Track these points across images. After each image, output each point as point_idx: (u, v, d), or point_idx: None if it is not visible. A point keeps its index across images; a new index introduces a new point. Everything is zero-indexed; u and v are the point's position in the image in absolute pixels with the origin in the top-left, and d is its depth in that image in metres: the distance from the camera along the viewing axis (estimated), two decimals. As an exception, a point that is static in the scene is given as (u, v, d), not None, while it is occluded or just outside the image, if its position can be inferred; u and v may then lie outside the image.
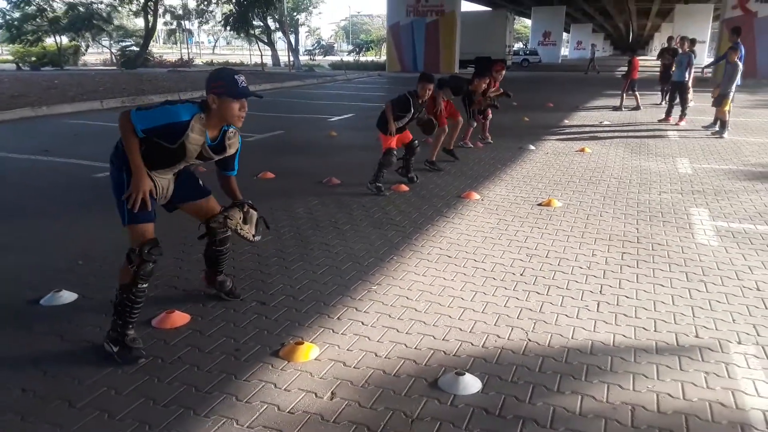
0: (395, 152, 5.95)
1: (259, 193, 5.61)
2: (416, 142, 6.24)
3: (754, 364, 2.80)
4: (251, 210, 3.15)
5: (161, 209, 3.10)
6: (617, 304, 3.46)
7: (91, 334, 3.00)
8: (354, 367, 2.75)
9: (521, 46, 57.95)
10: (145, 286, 2.80)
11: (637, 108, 13.30)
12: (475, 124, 8.58)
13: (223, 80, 2.79)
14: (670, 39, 14.17)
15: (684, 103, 11.38)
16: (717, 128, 9.90)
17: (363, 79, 26.54)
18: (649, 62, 46.76)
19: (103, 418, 2.35)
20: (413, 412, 2.42)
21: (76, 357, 2.81)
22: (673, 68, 11.94)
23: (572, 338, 3.05)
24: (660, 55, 14.00)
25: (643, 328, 3.17)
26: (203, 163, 3.06)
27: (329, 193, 5.98)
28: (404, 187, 6.09)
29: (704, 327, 3.18)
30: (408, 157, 6.24)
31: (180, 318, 3.15)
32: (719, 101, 9.72)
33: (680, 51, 12.00)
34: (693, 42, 12.38)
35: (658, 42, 74.70)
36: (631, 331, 3.14)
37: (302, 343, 2.88)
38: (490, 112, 8.81)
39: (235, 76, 2.79)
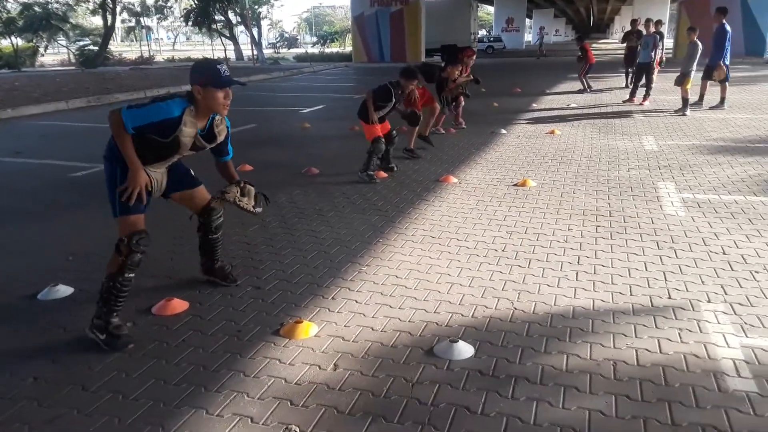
0: (382, 139, 6.07)
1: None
2: (395, 132, 6.37)
3: (723, 320, 3.03)
4: (248, 185, 3.25)
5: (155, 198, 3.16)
6: (594, 273, 3.67)
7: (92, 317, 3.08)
8: (353, 341, 2.89)
9: (485, 33, 58.37)
10: (131, 276, 2.88)
11: (583, 91, 13.64)
12: (448, 112, 8.75)
13: (206, 71, 2.88)
14: (634, 21, 14.52)
15: (649, 83, 11.68)
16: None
17: (330, 71, 26.51)
18: (610, 45, 47.69)
19: (117, 399, 2.45)
20: (413, 377, 2.57)
21: (81, 345, 2.88)
22: (639, 50, 12.21)
23: (555, 305, 3.25)
24: (625, 38, 14.31)
25: (620, 293, 3.38)
26: (195, 154, 3.14)
27: (310, 183, 6.08)
28: (383, 174, 6.23)
29: (676, 289, 3.41)
30: (387, 148, 6.36)
31: (179, 305, 3.25)
32: (680, 80, 10.09)
33: (644, 33, 12.33)
34: (658, 23, 12.64)
35: (619, 25, 75.89)
36: (608, 296, 3.34)
37: (301, 322, 3.01)
38: (462, 99, 8.99)
39: (218, 66, 2.88)
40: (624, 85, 14.31)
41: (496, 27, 56.51)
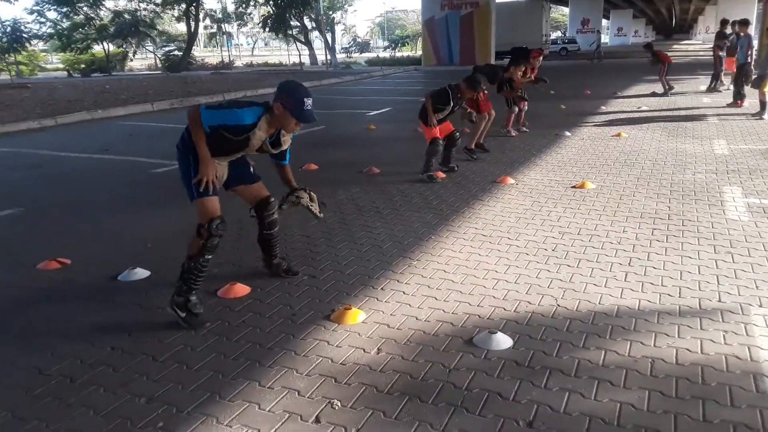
0: (441, 141, 6.22)
1: (305, 182, 5.95)
2: (457, 134, 6.48)
3: (773, 325, 2.99)
4: (312, 193, 3.54)
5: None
6: (644, 274, 3.67)
7: (165, 303, 3.40)
8: (397, 329, 3.06)
9: (560, 34, 57.05)
10: (209, 257, 3.16)
11: (663, 94, 13.25)
12: (517, 109, 8.74)
13: (293, 99, 3.05)
14: (723, 22, 14.01)
15: (743, 84, 11.13)
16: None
17: (399, 75, 26.82)
18: (692, 47, 45.51)
19: (182, 369, 2.73)
20: (450, 363, 2.71)
21: (154, 322, 3.21)
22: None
23: (599, 303, 3.29)
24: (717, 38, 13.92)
25: (668, 294, 3.38)
26: (258, 155, 3.38)
27: (370, 182, 6.30)
28: (441, 174, 6.36)
29: (727, 293, 3.37)
30: (449, 148, 6.48)
31: (242, 289, 3.53)
32: (757, 83, 9.63)
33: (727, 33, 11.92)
34: (743, 23, 12.03)
35: (703, 25, 72.35)
36: (656, 297, 3.35)
37: (350, 309, 3.21)
38: (524, 103, 8.97)
39: (305, 99, 3.06)
40: (706, 88, 13.85)
41: (570, 28, 55.14)
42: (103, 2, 35.47)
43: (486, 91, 7.57)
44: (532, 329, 3.02)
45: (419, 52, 39.91)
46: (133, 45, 38.28)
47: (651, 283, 3.53)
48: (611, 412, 2.34)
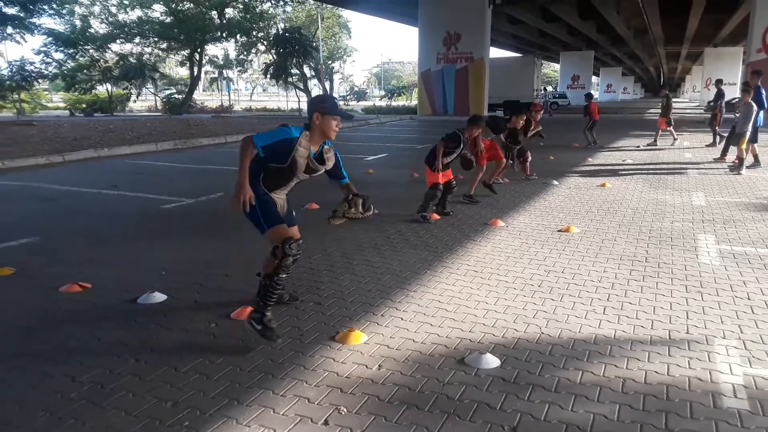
0: (440, 187, 6.62)
1: (308, 220, 6.33)
2: (454, 182, 6.88)
3: (733, 353, 3.33)
4: (355, 198, 3.79)
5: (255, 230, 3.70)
6: (621, 309, 4.02)
7: (183, 323, 3.72)
8: (396, 349, 3.38)
9: (551, 89, 58.87)
10: (284, 276, 3.41)
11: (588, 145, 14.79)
12: (512, 163, 9.21)
13: (326, 101, 3.52)
14: (719, 82, 15.40)
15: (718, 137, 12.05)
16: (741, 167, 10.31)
17: (395, 123, 27.62)
18: (680, 104, 47.03)
19: (203, 379, 3.03)
20: (444, 379, 3.03)
21: (174, 339, 3.52)
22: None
23: (579, 332, 3.63)
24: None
25: (641, 326, 3.73)
26: (310, 178, 3.69)
27: (369, 221, 6.65)
28: (435, 216, 6.75)
29: (695, 326, 3.72)
30: (446, 195, 6.88)
31: (252, 312, 3.85)
32: (736, 140, 10.22)
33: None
34: (717, 82, 13.50)
35: (690, 84, 74.93)
36: (630, 328, 3.70)
37: (354, 331, 3.53)
38: (529, 154, 9.45)
39: (336, 100, 3.59)
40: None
41: (561, 84, 57.02)
42: (110, 45, 36.54)
43: (491, 139, 8.02)
44: (518, 352, 3.35)
45: (414, 102, 41.07)
46: (136, 87, 39.24)
47: (626, 316, 3.88)
48: (586, 421, 2.65)
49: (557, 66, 63.87)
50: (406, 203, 7.34)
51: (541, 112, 9.67)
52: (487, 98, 31.07)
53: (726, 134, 11.80)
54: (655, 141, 15.20)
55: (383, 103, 55.04)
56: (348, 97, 57.41)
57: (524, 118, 8.98)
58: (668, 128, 15.31)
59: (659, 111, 15.90)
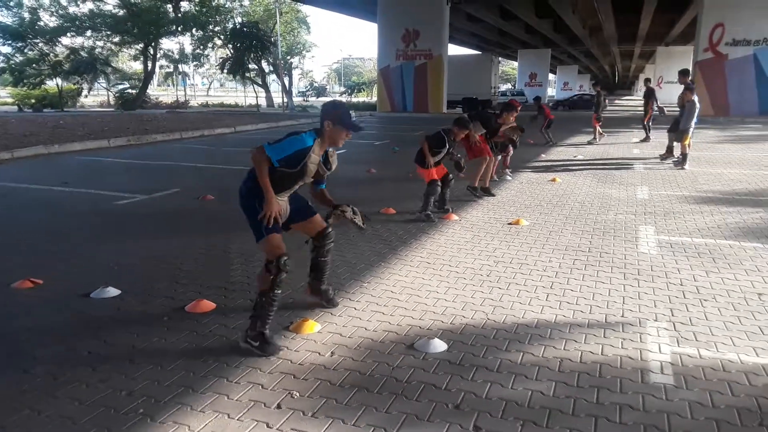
0: (438, 182, 6.64)
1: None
2: (451, 176, 6.91)
3: (663, 334, 3.58)
4: (354, 207, 3.84)
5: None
6: (563, 295, 4.24)
7: (137, 316, 3.76)
8: (348, 337, 3.51)
9: (510, 87, 59.89)
10: (279, 291, 3.38)
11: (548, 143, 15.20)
12: (500, 157, 9.34)
13: (340, 112, 3.50)
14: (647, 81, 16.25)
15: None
16: (681, 160, 10.81)
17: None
18: (633, 102, 48.52)
19: (157, 369, 3.09)
20: (394, 363, 3.17)
21: (128, 332, 3.55)
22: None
23: (522, 318, 3.82)
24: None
25: (581, 311, 3.95)
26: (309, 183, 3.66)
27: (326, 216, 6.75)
28: (392, 210, 6.90)
29: (630, 310, 3.97)
30: (444, 189, 6.86)
31: (207, 305, 3.91)
32: (680, 136, 10.70)
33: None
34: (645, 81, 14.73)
35: (643, 82, 77.45)
36: (570, 313, 3.91)
37: (307, 320, 3.64)
38: (510, 148, 9.60)
39: (349, 111, 3.56)
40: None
41: (519, 81, 58.07)
42: (60, 39, 35.42)
43: (483, 135, 8.07)
44: (464, 337, 3.52)
45: (374, 98, 41.20)
46: (88, 82, 38.16)
47: (567, 302, 4.10)
48: (524, 397, 2.84)
49: (516, 64, 65.00)
50: (364, 199, 7.45)
51: (519, 108, 9.80)
52: (446, 95, 31.45)
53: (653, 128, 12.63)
54: (595, 138, 15.71)
55: (343, 99, 54.96)
56: (308, 93, 57.14)
57: (514, 114, 9.00)
58: (597, 124, 15.77)
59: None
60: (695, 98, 10.74)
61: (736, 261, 5.05)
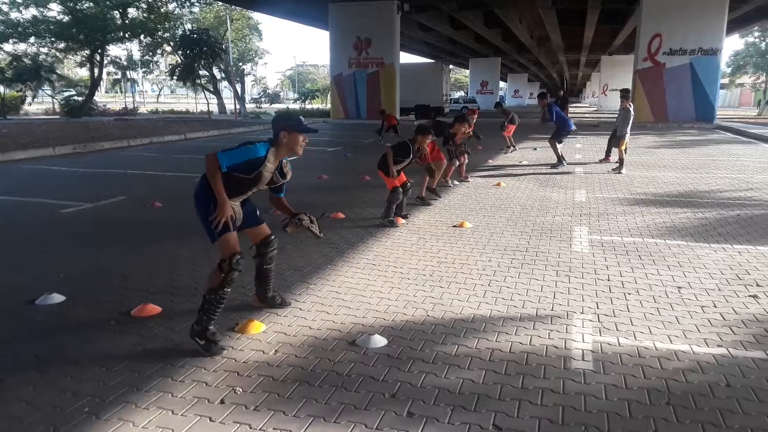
0: (400, 189, 6.79)
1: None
2: (409, 184, 7.07)
3: (588, 325, 3.85)
4: (311, 216, 3.99)
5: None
6: (499, 292, 4.49)
7: (83, 321, 3.80)
8: (293, 336, 3.65)
9: (462, 94, 60.92)
10: (228, 290, 3.47)
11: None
12: (458, 163, 9.61)
13: (292, 121, 3.68)
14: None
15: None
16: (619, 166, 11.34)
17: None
18: (579, 109, 50.10)
19: (102, 371, 3.16)
20: (335, 358, 3.33)
21: (73, 336, 3.60)
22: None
23: (460, 313, 4.04)
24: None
25: (514, 306, 4.20)
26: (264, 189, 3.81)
27: (276, 222, 6.85)
28: (341, 215, 7.06)
29: (559, 304, 4.24)
30: (403, 196, 7.00)
31: (153, 309, 3.99)
32: (617, 142, 11.25)
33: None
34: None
35: (590, 90, 79.92)
36: (504, 308, 4.16)
37: (253, 321, 3.76)
38: (465, 156, 9.86)
39: (300, 117, 3.75)
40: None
41: (471, 89, 59.17)
42: (1, 45, 34.20)
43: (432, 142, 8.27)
44: (404, 332, 3.71)
45: (329, 105, 41.30)
46: (32, 89, 36.93)
47: (503, 298, 4.35)
48: (455, 385, 3.04)
49: (468, 72, 66.20)
50: (314, 204, 7.59)
51: (476, 116, 10.13)
52: (398, 103, 31.80)
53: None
54: (513, 146, 15.83)
55: (297, 106, 54.86)
56: (261, 100, 56.71)
57: (465, 125, 9.24)
58: (507, 135, 15.81)
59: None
60: (630, 106, 11.32)
61: (660, 258, 5.42)
